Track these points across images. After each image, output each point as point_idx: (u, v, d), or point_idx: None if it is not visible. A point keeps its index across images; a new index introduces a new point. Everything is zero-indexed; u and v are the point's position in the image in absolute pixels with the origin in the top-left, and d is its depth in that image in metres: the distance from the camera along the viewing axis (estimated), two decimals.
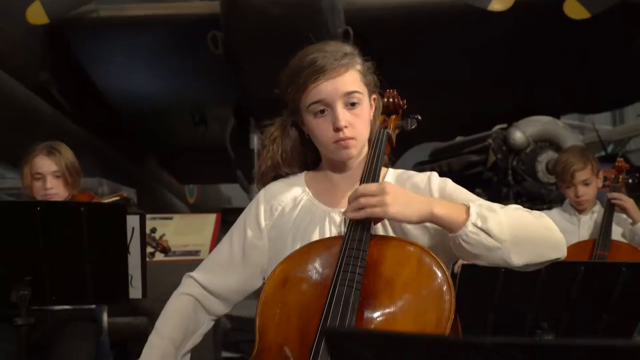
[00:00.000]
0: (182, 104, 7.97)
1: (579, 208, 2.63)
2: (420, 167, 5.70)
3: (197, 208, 9.87)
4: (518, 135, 4.80)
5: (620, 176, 2.71)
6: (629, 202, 2.52)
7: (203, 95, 7.62)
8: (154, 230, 2.58)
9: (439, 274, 1.17)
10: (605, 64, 7.12)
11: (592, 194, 2.62)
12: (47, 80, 6.93)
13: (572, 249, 2.46)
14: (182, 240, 3.50)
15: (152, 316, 3.43)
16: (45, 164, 2.30)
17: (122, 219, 1.71)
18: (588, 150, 2.78)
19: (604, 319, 1.74)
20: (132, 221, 1.85)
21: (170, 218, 3.86)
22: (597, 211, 2.62)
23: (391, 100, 1.54)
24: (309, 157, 1.46)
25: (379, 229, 1.32)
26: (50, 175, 2.27)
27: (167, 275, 2.30)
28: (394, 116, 1.53)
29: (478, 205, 1.23)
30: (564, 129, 4.90)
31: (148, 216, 3.50)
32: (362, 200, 1.20)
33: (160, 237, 2.60)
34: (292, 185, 1.43)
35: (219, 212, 4.43)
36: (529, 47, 7.16)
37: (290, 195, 1.42)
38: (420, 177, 1.40)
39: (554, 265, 1.37)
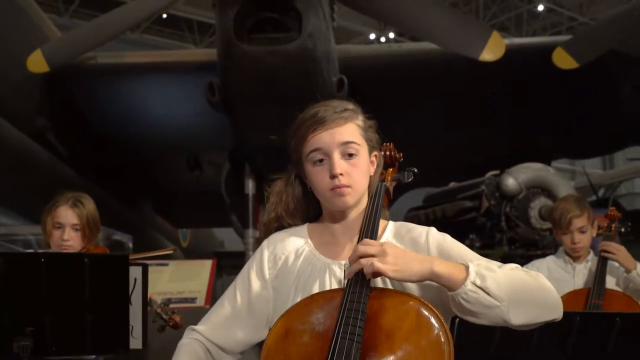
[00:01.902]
0: (178, 149, 8.05)
1: (574, 255, 2.66)
2: (414, 212, 5.76)
3: (191, 252, 9.85)
4: (511, 181, 4.88)
5: (613, 225, 2.76)
6: (620, 252, 2.56)
7: (199, 140, 7.71)
8: (167, 303, 2.54)
9: (437, 326, 1.20)
10: (594, 111, 7.28)
11: (587, 242, 2.65)
12: (44, 125, 7.01)
13: (567, 297, 2.49)
14: (178, 287, 3.49)
15: None
16: (67, 215, 2.33)
17: (125, 270, 1.74)
18: (584, 199, 2.83)
19: None
20: (135, 272, 1.87)
21: (166, 264, 3.86)
22: (591, 259, 2.66)
23: (388, 153, 1.59)
24: (311, 210, 1.50)
25: (378, 282, 1.36)
26: (69, 227, 2.30)
27: (166, 335, 2.30)
28: (390, 169, 1.58)
29: (477, 264, 1.27)
30: (556, 175, 4.99)
31: None
32: (363, 262, 1.24)
33: (173, 313, 2.55)
34: (294, 235, 1.47)
35: (213, 257, 4.44)
36: (520, 95, 7.34)
37: (293, 245, 1.46)
38: (419, 231, 1.44)
39: None
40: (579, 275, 2.63)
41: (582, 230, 2.60)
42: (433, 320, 1.21)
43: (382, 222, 1.44)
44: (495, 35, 5.09)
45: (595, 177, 15.66)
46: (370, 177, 1.45)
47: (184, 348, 1.44)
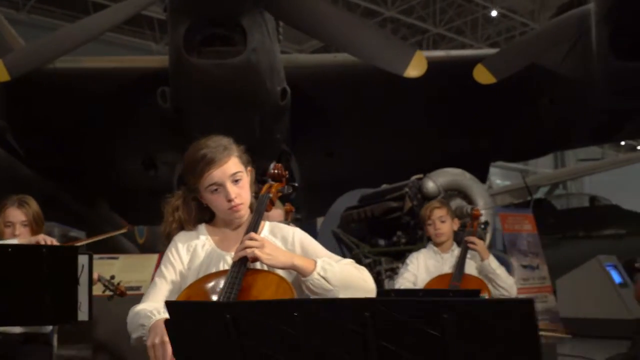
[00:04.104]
0: (133, 150, 8.43)
1: (437, 241, 3.31)
2: (349, 211, 6.31)
3: (147, 248, 10.23)
4: (430, 184, 5.47)
5: (475, 222, 3.40)
6: (479, 244, 3.18)
7: (153, 141, 8.10)
8: (113, 277, 3.07)
9: (290, 294, 1.75)
10: (519, 120, 7.96)
11: (446, 230, 3.29)
12: (2, 126, 7.29)
13: (435, 280, 3.13)
14: (126, 277, 3.94)
15: (98, 346, 3.88)
16: (16, 214, 2.78)
17: (74, 258, 2.24)
18: (448, 202, 3.49)
19: None
20: (82, 259, 2.37)
21: (116, 258, 4.34)
22: (456, 250, 3.29)
23: (276, 171, 2.14)
24: (205, 217, 2.03)
25: (258, 265, 1.90)
26: (19, 224, 2.76)
27: (110, 309, 2.82)
28: (276, 183, 2.13)
29: (322, 260, 1.81)
30: (471, 179, 5.59)
31: (96, 256, 3.99)
32: (248, 250, 1.78)
33: (119, 283, 3.08)
34: (198, 234, 2.00)
35: (161, 251, 4.88)
36: (456, 103, 7.96)
37: (199, 241, 1.99)
38: (287, 231, 1.99)
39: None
40: (446, 262, 3.24)
41: (442, 220, 3.24)
42: (287, 291, 1.75)
43: (261, 223, 1.99)
44: (418, 53, 5.68)
45: (537, 178, 16.56)
46: (250, 187, 1.99)
47: (141, 308, 1.84)
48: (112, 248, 8.25)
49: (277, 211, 3.48)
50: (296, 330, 0.97)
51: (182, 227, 2.03)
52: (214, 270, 1.90)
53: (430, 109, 8.23)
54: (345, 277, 1.80)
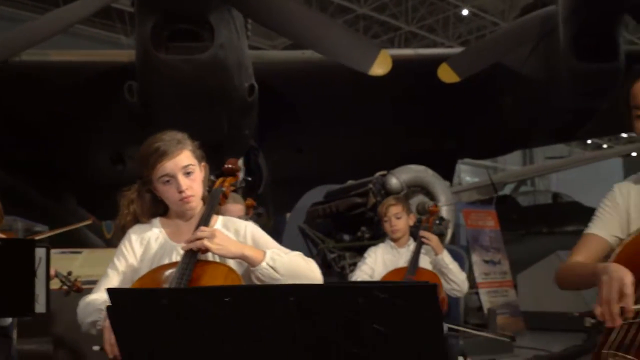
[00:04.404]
0: (101, 144, 8.39)
1: (393, 237, 3.42)
2: (315, 207, 6.40)
3: (114, 243, 10.15)
4: (394, 181, 5.58)
5: (431, 218, 3.51)
6: (433, 239, 3.29)
7: (121, 136, 8.07)
8: (70, 273, 3.10)
9: (237, 283, 1.82)
10: (483, 119, 8.12)
11: (402, 226, 3.40)
12: None
13: (391, 273, 3.23)
14: (89, 271, 3.96)
15: (58, 340, 3.90)
16: None
17: (31, 251, 2.28)
18: (402, 198, 3.60)
19: None
20: (40, 252, 2.41)
21: (79, 252, 4.35)
22: (412, 245, 3.39)
23: (230, 166, 2.22)
24: (159, 210, 2.09)
25: (209, 257, 1.97)
26: None
27: (69, 303, 2.85)
28: (229, 177, 2.20)
29: (272, 251, 1.89)
30: (433, 176, 5.72)
31: (58, 250, 4.01)
32: (198, 242, 1.84)
33: (76, 279, 3.11)
34: (152, 227, 2.06)
35: None
36: (419, 101, 8.09)
37: (153, 234, 2.05)
38: (239, 224, 2.07)
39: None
40: (402, 257, 3.35)
41: (397, 217, 3.35)
42: (236, 281, 1.83)
43: (214, 217, 2.06)
44: (383, 52, 5.79)
45: (506, 175, 16.83)
46: (203, 181, 2.06)
47: (92, 298, 1.93)
48: (79, 243, 8.24)
49: (238, 206, 3.54)
50: (228, 316, 1.05)
51: (137, 220, 2.09)
52: (166, 261, 1.97)
53: (398, 106, 8.35)
54: (293, 267, 1.87)
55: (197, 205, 2.02)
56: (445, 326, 3.22)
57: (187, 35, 5.77)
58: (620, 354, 1.34)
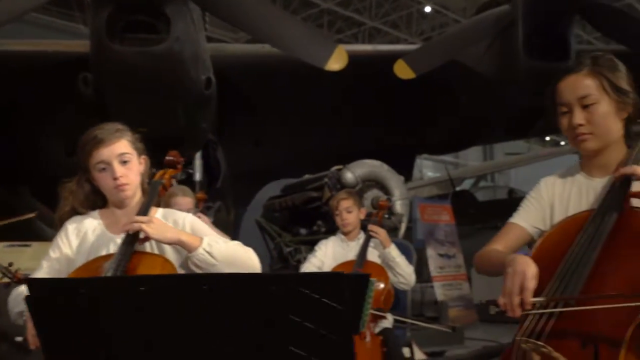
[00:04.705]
0: (56, 136, 8.24)
1: (344, 231, 3.47)
2: (271, 200, 6.42)
3: None
4: (349, 175, 5.64)
5: (380, 213, 3.57)
6: (381, 233, 3.34)
7: (76, 127, 7.94)
8: (11, 264, 3.05)
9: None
10: (440, 116, 8.25)
11: (353, 220, 3.46)
12: None
13: (341, 265, 3.28)
14: (37, 265, 3.92)
15: (0, 334, 3.83)
16: None
17: None
18: (354, 192, 3.65)
19: None
20: None
21: (28, 245, 4.28)
22: (362, 238, 3.45)
23: (171, 158, 2.23)
24: (98, 201, 2.09)
25: (146, 248, 1.98)
26: None
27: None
28: (170, 170, 2.21)
29: (209, 238, 1.92)
30: (388, 171, 5.80)
31: (6, 244, 3.94)
32: (135, 225, 1.85)
33: (17, 271, 3.06)
34: (90, 217, 2.07)
35: None
36: (377, 97, 8.16)
37: (90, 225, 2.05)
38: (178, 215, 2.09)
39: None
40: (351, 250, 3.40)
41: (348, 211, 3.41)
42: (171, 272, 1.84)
43: (154, 209, 2.07)
44: (339, 47, 5.82)
45: (465, 170, 17.14)
46: (142, 173, 2.07)
47: (22, 289, 1.94)
48: (35, 235, 8.08)
49: (187, 199, 3.55)
50: (143, 305, 1.07)
51: (76, 211, 2.08)
52: (103, 253, 1.97)
53: (357, 102, 8.41)
54: (231, 254, 1.90)
55: (132, 194, 2.03)
56: (391, 318, 3.29)
57: (142, 27, 5.71)
58: (531, 340, 1.41)
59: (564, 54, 6.68)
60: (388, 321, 3.27)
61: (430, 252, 7.32)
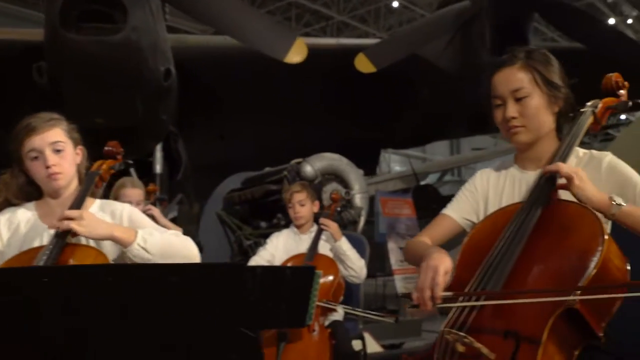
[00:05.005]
0: (9, 124, 8.05)
1: (297, 224, 3.47)
2: (231, 193, 6.39)
3: None
4: (308, 168, 5.64)
5: (333, 206, 3.57)
6: (332, 226, 3.34)
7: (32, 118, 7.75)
8: None
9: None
10: (402, 110, 8.29)
11: (305, 213, 3.45)
12: None
13: (292, 258, 3.27)
14: None
15: None
16: None
17: None
18: (307, 184, 3.64)
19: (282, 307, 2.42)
20: None
21: None
22: (314, 231, 3.44)
23: (109, 148, 2.19)
24: (34, 192, 2.05)
25: (81, 240, 1.94)
26: None
27: None
28: (109, 160, 2.17)
29: (144, 231, 1.89)
30: (348, 165, 5.81)
31: None
32: (65, 222, 1.81)
33: None
34: (24, 209, 2.02)
35: None
36: (340, 91, 8.16)
37: (24, 216, 2.00)
38: (116, 207, 2.06)
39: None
40: (303, 243, 3.40)
41: (301, 204, 3.40)
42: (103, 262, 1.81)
43: (90, 200, 2.03)
44: (299, 40, 5.80)
45: (429, 165, 17.32)
46: (78, 164, 2.03)
47: None
48: None
49: (136, 190, 3.49)
50: (48, 296, 1.04)
51: (10, 203, 2.03)
52: (36, 244, 1.93)
53: (320, 95, 8.40)
54: (166, 246, 1.88)
55: (66, 184, 1.99)
56: (342, 310, 3.30)
57: (99, 16, 5.60)
58: (453, 331, 1.42)
59: None
60: (339, 314, 3.28)
61: (391, 246, 7.36)
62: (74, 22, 5.53)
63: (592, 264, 1.38)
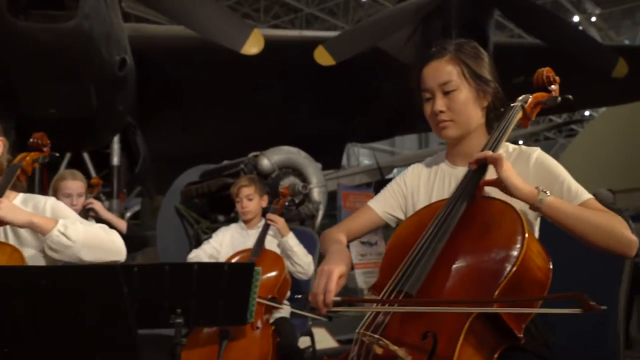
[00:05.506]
0: None
1: (244, 219, 3.40)
2: (188, 187, 6.27)
3: None
4: (265, 162, 5.56)
5: (281, 201, 3.51)
6: (279, 221, 3.28)
7: None
8: None
9: (21, 264, 1.73)
10: (365, 103, 8.27)
11: (253, 208, 3.39)
12: None
13: (237, 254, 3.21)
14: None
15: None
16: None
17: None
18: (255, 178, 3.58)
19: (220, 304, 2.35)
20: None
21: None
22: (261, 226, 3.38)
23: (34, 140, 2.10)
24: None
25: (0, 236, 1.87)
26: None
27: None
28: (34, 152, 2.08)
29: (65, 219, 1.83)
30: (306, 158, 5.74)
31: None
32: None
33: None
34: None
35: None
36: (303, 84, 8.10)
37: None
38: (39, 199, 2.00)
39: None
40: (251, 238, 3.33)
41: (249, 198, 3.33)
42: (18, 261, 1.74)
43: (13, 194, 1.96)
44: (255, 31, 5.72)
45: (395, 159, 17.34)
46: None
47: None
48: None
49: (77, 182, 3.38)
50: None
51: None
52: None
53: (283, 88, 8.34)
54: (90, 236, 1.82)
55: None
56: (288, 309, 3.24)
57: (49, 3, 5.43)
58: (369, 333, 1.38)
59: (482, 45, 6.80)
60: (285, 311, 3.22)
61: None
62: (22, 8, 5.36)
63: (511, 262, 1.35)
